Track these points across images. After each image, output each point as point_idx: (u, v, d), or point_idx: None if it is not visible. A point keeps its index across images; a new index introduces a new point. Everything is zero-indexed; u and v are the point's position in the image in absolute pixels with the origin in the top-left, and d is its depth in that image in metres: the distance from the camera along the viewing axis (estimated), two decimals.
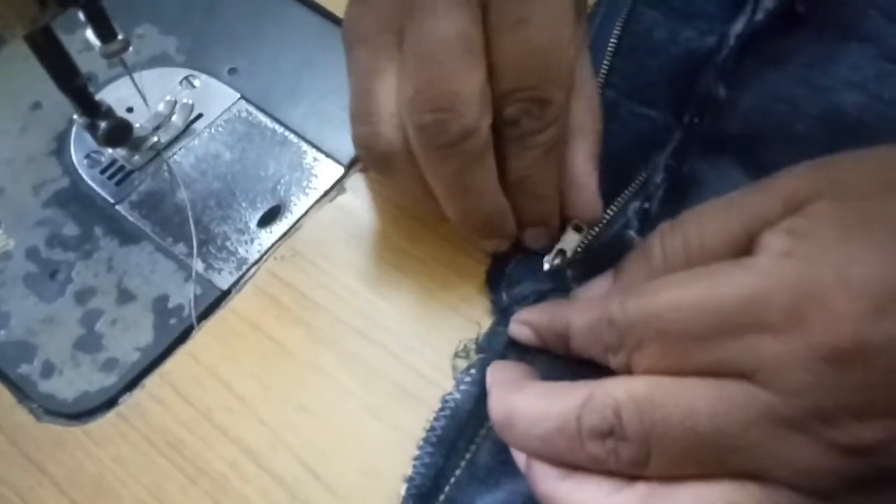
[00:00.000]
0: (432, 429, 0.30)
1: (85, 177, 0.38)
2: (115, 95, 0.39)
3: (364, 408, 0.32)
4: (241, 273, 0.35)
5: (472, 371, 0.31)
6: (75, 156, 0.39)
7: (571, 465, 0.25)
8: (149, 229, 0.36)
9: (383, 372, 0.32)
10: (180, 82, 0.41)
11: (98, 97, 0.35)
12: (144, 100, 0.38)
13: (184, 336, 0.34)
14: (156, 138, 0.39)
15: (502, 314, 0.32)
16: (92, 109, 0.35)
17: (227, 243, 0.36)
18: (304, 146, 0.39)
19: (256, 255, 0.36)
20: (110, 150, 0.38)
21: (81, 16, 0.31)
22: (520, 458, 0.27)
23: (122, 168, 0.38)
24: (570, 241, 0.33)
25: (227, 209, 0.37)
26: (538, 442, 0.25)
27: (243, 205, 0.37)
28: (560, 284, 0.32)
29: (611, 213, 0.34)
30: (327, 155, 0.38)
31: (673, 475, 0.23)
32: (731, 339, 0.22)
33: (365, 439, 0.31)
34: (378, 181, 0.37)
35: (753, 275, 0.22)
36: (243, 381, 0.32)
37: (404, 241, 0.35)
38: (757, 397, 0.21)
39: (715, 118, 0.35)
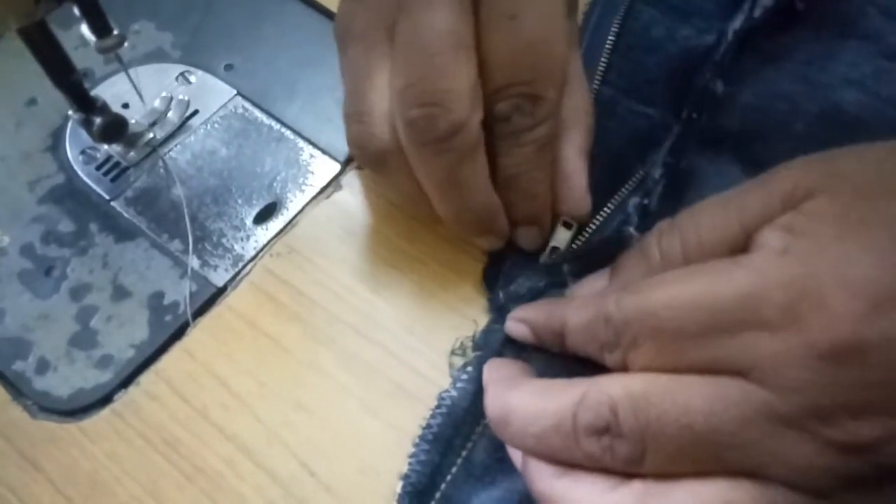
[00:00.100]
0: (428, 426, 0.30)
1: (80, 173, 0.38)
2: (111, 91, 0.39)
3: (361, 406, 0.31)
4: (237, 270, 0.35)
5: (469, 368, 0.31)
6: (70, 152, 0.39)
7: (568, 462, 0.24)
8: (144, 226, 0.36)
9: (380, 370, 0.32)
10: (176, 78, 0.40)
11: (94, 93, 0.35)
12: (140, 96, 0.38)
13: (179, 333, 0.34)
14: (151, 134, 0.38)
15: (498, 312, 0.32)
16: (87, 105, 0.35)
17: (223, 240, 0.36)
18: (301, 143, 0.38)
19: (252, 252, 0.36)
20: (106, 147, 0.38)
21: (77, 11, 0.31)
22: (516, 455, 0.27)
23: (117, 164, 0.38)
24: (562, 238, 0.33)
25: (223, 206, 0.37)
26: (534, 439, 0.25)
27: (239, 201, 0.37)
28: (557, 280, 0.32)
29: (608, 210, 0.34)
30: (324, 152, 0.38)
31: (669, 473, 0.23)
32: (727, 336, 0.22)
33: (362, 437, 0.31)
34: (374, 179, 0.37)
35: (750, 272, 0.22)
36: (239, 379, 0.32)
37: (401, 239, 0.35)
38: (753, 395, 0.21)
39: (713, 115, 0.35)
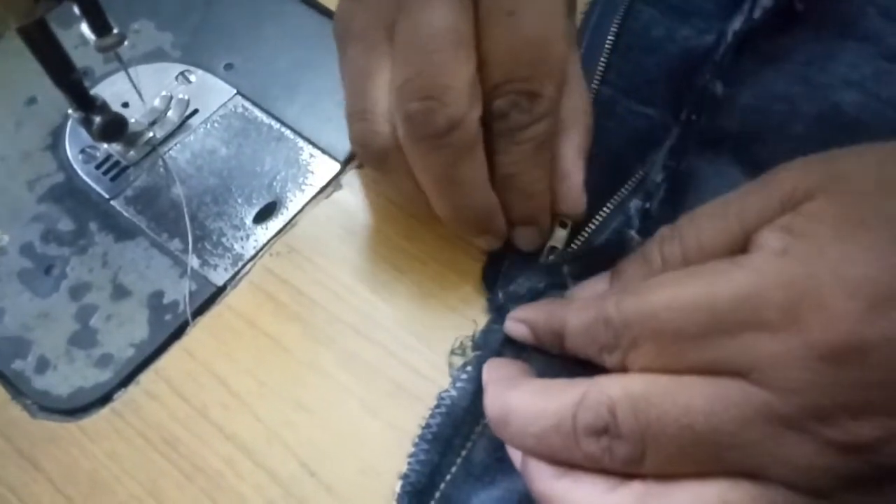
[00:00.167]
0: (428, 426, 0.30)
1: (80, 172, 0.38)
2: (111, 90, 0.39)
3: (361, 405, 0.31)
4: (236, 269, 0.35)
5: (469, 368, 0.31)
6: (70, 151, 0.38)
7: (567, 463, 0.25)
8: (144, 225, 0.36)
9: (380, 370, 0.32)
10: (176, 77, 0.40)
11: (93, 92, 0.35)
12: (140, 95, 0.38)
13: (179, 332, 0.34)
14: (151, 134, 0.38)
15: (498, 312, 0.32)
16: (87, 104, 0.35)
17: (223, 239, 0.36)
18: (301, 142, 0.38)
19: (252, 252, 0.36)
20: (105, 146, 0.38)
21: (76, 10, 0.31)
22: (516, 455, 0.27)
23: (117, 163, 0.38)
24: (558, 238, 0.33)
25: (223, 205, 0.37)
26: (534, 439, 0.25)
27: (239, 201, 0.37)
28: (557, 281, 0.32)
29: (608, 210, 0.34)
30: (323, 151, 0.38)
31: (668, 473, 0.23)
32: (727, 337, 0.22)
33: (362, 437, 0.31)
34: (374, 178, 0.37)
35: (749, 273, 0.22)
36: (239, 378, 0.32)
37: (401, 239, 0.35)
38: (753, 395, 0.21)
39: (712, 116, 0.35)
